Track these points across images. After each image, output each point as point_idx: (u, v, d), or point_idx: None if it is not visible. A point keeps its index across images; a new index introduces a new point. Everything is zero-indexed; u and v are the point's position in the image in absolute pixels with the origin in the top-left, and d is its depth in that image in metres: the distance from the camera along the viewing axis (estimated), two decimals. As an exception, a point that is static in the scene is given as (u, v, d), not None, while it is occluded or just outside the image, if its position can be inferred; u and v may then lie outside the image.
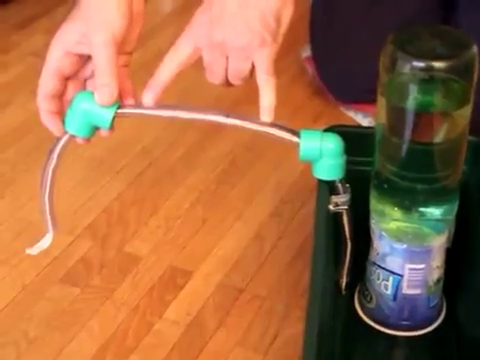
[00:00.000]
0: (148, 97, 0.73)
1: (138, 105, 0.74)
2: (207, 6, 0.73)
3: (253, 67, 0.73)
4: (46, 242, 0.77)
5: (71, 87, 0.74)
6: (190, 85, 1.25)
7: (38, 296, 0.91)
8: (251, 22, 0.71)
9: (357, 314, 0.84)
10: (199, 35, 0.73)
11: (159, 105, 0.74)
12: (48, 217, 0.77)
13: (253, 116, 0.73)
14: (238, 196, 1.07)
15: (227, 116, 0.73)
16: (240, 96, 1.20)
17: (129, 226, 1.02)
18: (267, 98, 0.72)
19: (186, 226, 1.02)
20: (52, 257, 0.95)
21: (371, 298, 0.82)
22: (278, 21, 0.72)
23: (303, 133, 0.72)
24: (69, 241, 0.99)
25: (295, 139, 0.72)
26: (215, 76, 0.75)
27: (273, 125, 0.72)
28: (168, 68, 0.74)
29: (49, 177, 0.74)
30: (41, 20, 1.55)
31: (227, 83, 0.75)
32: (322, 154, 0.72)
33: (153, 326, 0.88)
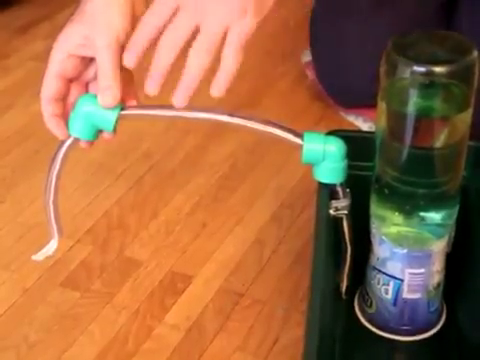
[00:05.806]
0: (151, 88, 0.69)
1: (141, 106, 0.74)
2: None
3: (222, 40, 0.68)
4: (51, 248, 0.75)
5: (74, 90, 0.75)
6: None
7: (39, 300, 0.91)
8: None
9: (357, 319, 0.84)
10: None
11: (162, 105, 0.73)
12: (53, 223, 0.75)
13: (257, 117, 0.72)
14: (238, 200, 1.07)
15: (231, 116, 0.71)
16: (242, 100, 1.20)
17: (129, 230, 1.02)
18: (227, 70, 0.68)
19: (186, 230, 1.02)
20: (52, 261, 0.95)
21: (371, 303, 0.82)
22: None
23: (306, 135, 0.72)
24: (69, 245, 0.99)
25: (298, 141, 0.72)
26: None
27: (277, 126, 0.71)
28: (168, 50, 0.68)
29: (53, 181, 0.73)
30: (42, 25, 1.56)
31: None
32: (325, 157, 0.72)
33: (153, 330, 0.88)
